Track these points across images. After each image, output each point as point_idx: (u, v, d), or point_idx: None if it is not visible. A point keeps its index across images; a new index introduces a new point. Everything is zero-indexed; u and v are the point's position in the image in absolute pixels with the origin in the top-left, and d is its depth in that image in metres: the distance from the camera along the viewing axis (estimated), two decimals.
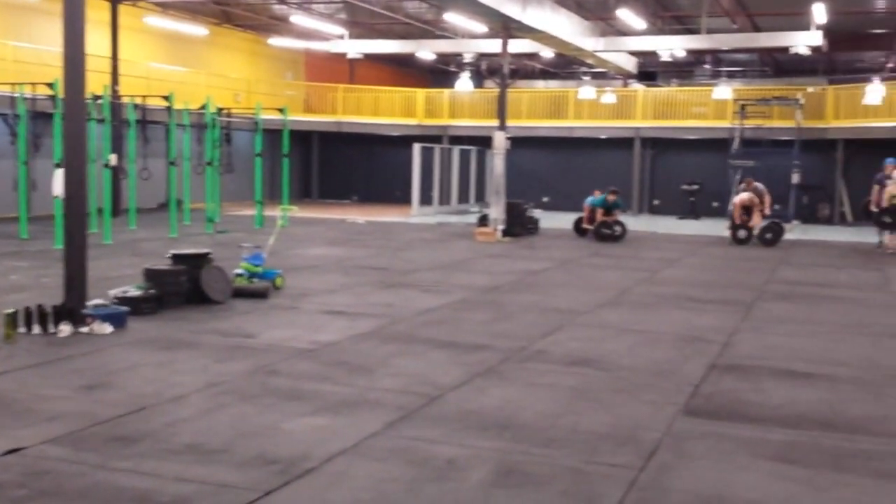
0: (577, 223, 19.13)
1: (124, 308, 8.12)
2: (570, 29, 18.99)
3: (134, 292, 8.62)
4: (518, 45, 22.48)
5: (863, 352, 7.75)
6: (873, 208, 17.04)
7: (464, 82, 28.29)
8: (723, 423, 5.48)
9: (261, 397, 5.81)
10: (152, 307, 8.55)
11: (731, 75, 33.08)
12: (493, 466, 4.62)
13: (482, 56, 27.75)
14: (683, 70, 33.66)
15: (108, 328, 7.68)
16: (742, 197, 17.86)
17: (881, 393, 6.33)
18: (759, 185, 18.00)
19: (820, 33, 19.57)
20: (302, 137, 29.77)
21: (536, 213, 24.84)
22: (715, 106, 26.22)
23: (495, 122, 28.29)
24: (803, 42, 19.54)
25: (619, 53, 23.80)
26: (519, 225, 18.74)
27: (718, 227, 20.75)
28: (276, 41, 27.06)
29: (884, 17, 24.06)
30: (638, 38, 21.29)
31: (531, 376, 6.58)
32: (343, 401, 5.76)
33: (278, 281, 10.29)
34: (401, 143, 28.05)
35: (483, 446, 4.94)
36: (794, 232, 21.84)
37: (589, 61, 24.32)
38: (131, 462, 4.57)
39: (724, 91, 25.74)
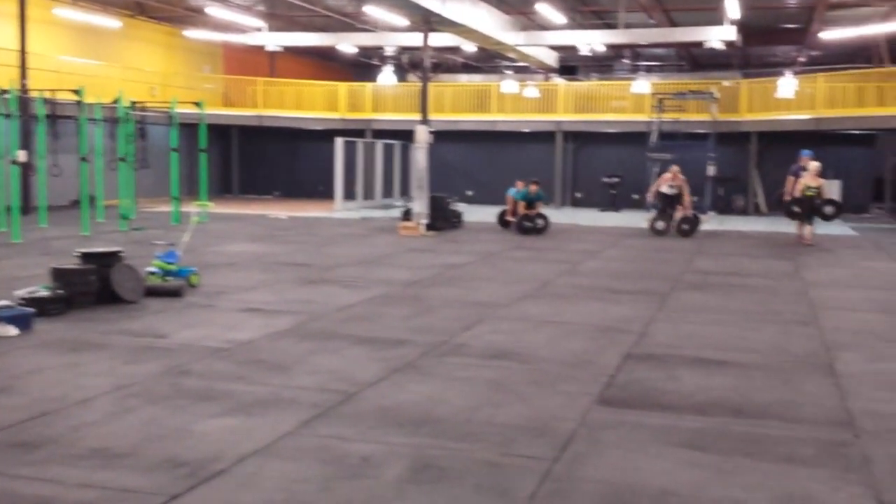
0: (501, 216, 19.24)
1: (30, 309, 7.83)
2: (490, 23, 19.07)
3: (41, 293, 8.32)
4: (440, 39, 22.52)
5: (772, 339, 7.96)
6: (787, 199, 17.06)
7: (387, 76, 28.17)
8: (636, 412, 5.56)
9: (171, 399, 5.66)
10: (60, 308, 8.27)
11: (649, 70, 33.68)
12: (408, 462, 4.58)
13: (404, 50, 27.66)
14: (603, 64, 34.16)
15: (12, 330, 7.40)
16: (672, 174, 18.20)
17: (789, 379, 6.50)
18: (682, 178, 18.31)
19: (733, 28, 20.07)
20: (221, 132, 29.26)
21: (460, 206, 24.93)
22: (634, 100, 26.68)
23: (418, 116, 28.42)
24: (717, 37, 20.02)
25: (539, 48, 24.02)
26: (442, 219, 18.75)
27: (638, 219, 21.14)
28: (193, 33, 26.48)
29: (795, 12, 24.79)
30: (558, 33, 21.52)
31: (450, 370, 6.56)
32: (257, 400, 5.65)
33: (193, 279, 10.06)
34: (324, 137, 27.79)
35: (399, 442, 4.90)
36: (711, 223, 22.37)
37: (511, 55, 24.48)
38: (33, 468, 4.40)
39: (642, 85, 26.21)
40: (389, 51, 25.45)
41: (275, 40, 25.05)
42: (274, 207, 24.49)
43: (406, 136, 27.93)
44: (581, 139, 28.67)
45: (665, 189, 18.28)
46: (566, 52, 28.45)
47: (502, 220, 19.10)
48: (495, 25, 19.40)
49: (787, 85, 24.23)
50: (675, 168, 18.58)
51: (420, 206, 17.92)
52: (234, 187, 30.51)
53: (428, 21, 17.54)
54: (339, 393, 5.85)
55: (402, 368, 6.57)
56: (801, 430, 5.25)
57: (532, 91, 27.50)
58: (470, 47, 25.60)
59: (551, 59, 26.09)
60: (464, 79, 34.46)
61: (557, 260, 13.66)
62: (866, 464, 4.69)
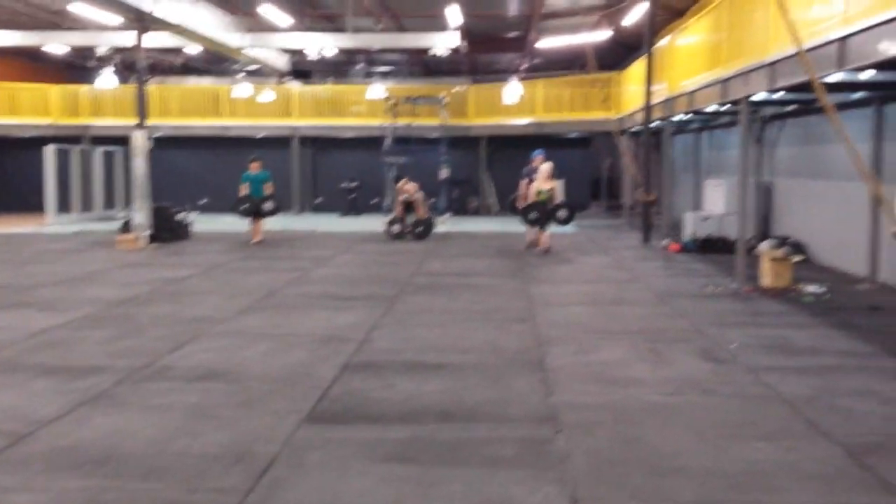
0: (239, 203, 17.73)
1: None
2: (212, 23, 18.23)
3: None
4: (159, 39, 21.26)
5: (489, 337, 8.05)
6: (521, 203, 16.47)
7: (106, 78, 26.27)
8: (345, 427, 5.30)
9: None
10: None
11: (384, 75, 34.05)
12: None
13: (121, 50, 25.93)
14: (340, 69, 34.06)
15: None
16: (403, 185, 18.25)
17: (500, 377, 6.55)
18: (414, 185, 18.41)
19: (457, 34, 20.61)
20: None
21: (192, 216, 23.71)
22: (371, 105, 26.78)
23: (154, 121, 26.77)
24: (442, 43, 20.46)
25: (269, 51, 23.39)
26: (167, 230, 17.67)
27: (377, 224, 21.16)
28: None
29: (515, 21, 25.98)
30: (285, 35, 21.01)
31: (148, 397, 5.96)
32: None
33: None
34: (35, 145, 25.38)
35: (70, 487, 4.30)
36: (446, 224, 22.92)
37: (238, 58, 23.64)
38: None
39: (377, 90, 26.35)
40: (102, 51, 23.67)
41: None
42: None
43: (124, 142, 26.26)
44: (319, 144, 28.39)
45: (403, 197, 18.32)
46: (299, 56, 28.00)
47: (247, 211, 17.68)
48: (217, 26, 18.58)
49: (511, 91, 25.40)
50: (402, 182, 18.61)
51: (141, 216, 16.75)
52: None
53: (141, 20, 16.42)
54: (7, 436, 5.09)
55: (92, 400, 5.88)
56: (506, 430, 5.23)
57: (266, 95, 26.80)
58: (196, 49, 24.41)
59: (282, 62, 25.53)
60: (193, 81, 32.98)
61: (287, 268, 13.23)
62: (564, 460, 4.73)
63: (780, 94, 12.54)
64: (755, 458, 4.78)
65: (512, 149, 27.09)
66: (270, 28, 21.68)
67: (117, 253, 15.51)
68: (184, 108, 27.51)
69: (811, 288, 11.05)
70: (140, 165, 16.93)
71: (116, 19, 18.87)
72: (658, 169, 20.25)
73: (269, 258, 14.73)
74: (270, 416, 5.50)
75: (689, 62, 14.85)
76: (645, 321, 8.93)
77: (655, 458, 4.78)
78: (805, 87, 10.67)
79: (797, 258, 12.48)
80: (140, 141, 16.84)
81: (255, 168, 17.67)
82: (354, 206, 26.53)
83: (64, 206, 23.39)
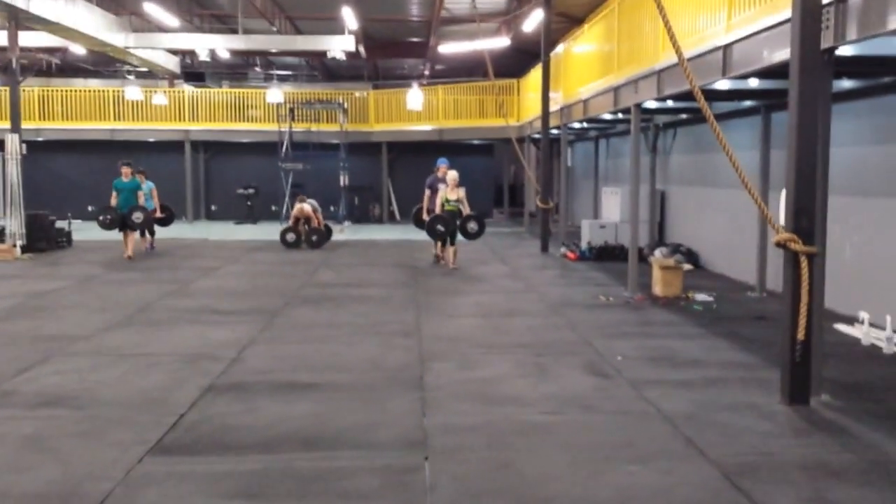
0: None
1: None
2: (93, 22, 17.33)
3: None
4: (39, 39, 20.22)
5: (371, 353, 7.68)
6: (426, 216, 14.58)
7: None
8: (192, 460, 4.84)
9: None
10: None
11: (283, 79, 33.31)
12: None
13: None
14: (237, 72, 33.17)
15: None
16: (299, 208, 17.59)
17: (375, 397, 6.18)
18: (313, 202, 17.82)
19: (352, 38, 20.18)
20: None
21: (76, 223, 22.61)
22: (269, 109, 26.08)
23: (29, 125, 25.46)
24: (338, 46, 19.98)
25: (157, 52, 22.46)
26: (45, 239, 16.70)
27: (275, 231, 20.51)
28: None
29: (416, 26, 25.72)
30: (172, 36, 20.18)
31: None
32: None
33: None
34: None
35: None
36: (345, 232, 22.44)
37: (125, 59, 22.65)
38: None
39: (276, 94, 25.66)
40: None
41: None
42: None
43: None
44: (214, 149, 27.52)
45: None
46: (192, 57, 27.11)
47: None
48: (99, 25, 17.68)
49: (414, 97, 25.09)
50: (300, 197, 17.83)
51: (15, 224, 15.75)
52: None
53: (15, 17, 15.46)
54: None
55: None
56: (371, 458, 4.87)
57: (157, 98, 25.81)
58: (81, 49, 23.30)
59: (172, 63, 24.60)
60: (81, 84, 31.61)
61: (169, 280, 12.56)
62: (429, 492, 4.39)
63: (669, 103, 12.59)
64: (629, 484, 4.54)
65: (414, 155, 26.82)
66: (161, 29, 20.87)
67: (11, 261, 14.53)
68: (70, 111, 26.29)
69: (701, 296, 11.07)
70: (13, 171, 15.92)
71: None
72: (555, 177, 20.26)
73: (150, 269, 14.00)
74: (112, 449, 4.99)
75: (583, 70, 14.81)
76: (534, 334, 8.70)
77: (524, 486, 4.48)
78: (690, 94, 10.71)
79: (687, 266, 12.53)
80: (13, 145, 15.84)
81: (126, 174, 15.67)
82: (251, 214, 25.78)
83: None
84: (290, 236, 17.68)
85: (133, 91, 25.58)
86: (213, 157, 27.63)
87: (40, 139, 26.22)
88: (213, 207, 27.67)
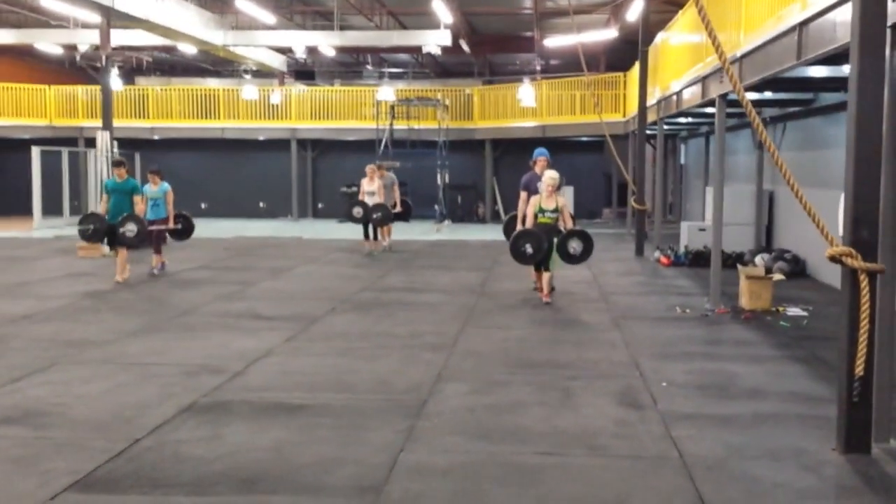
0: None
1: None
2: (186, 19, 17.45)
3: None
4: (143, 38, 20.63)
5: (388, 370, 7.01)
6: (521, 226, 10.58)
7: (112, 80, 25.73)
8: (111, 499, 4.30)
9: None
10: None
11: (395, 76, 33.14)
12: None
13: (125, 50, 25.34)
14: (350, 70, 33.25)
15: None
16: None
17: (360, 425, 5.50)
18: (391, 175, 16.61)
19: (448, 32, 19.60)
20: None
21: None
22: (377, 107, 25.84)
23: (145, 123, 26.22)
24: (434, 41, 19.46)
25: (261, 50, 22.60)
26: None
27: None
28: None
29: (527, 20, 24.85)
30: (269, 33, 20.17)
31: None
32: None
33: None
34: (31, 147, 24.96)
35: None
36: (442, 231, 21.92)
37: (232, 58, 22.90)
38: None
39: (386, 92, 25.33)
40: (84, 49, 23.06)
41: None
42: None
43: (129, 144, 25.70)
44: (321, 147, 27.58)
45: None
46: (301, 56, 27.22)
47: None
48: (195, 22, 17.81)
49: (525, 92, 24.20)
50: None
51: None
52: None
53: (107, 16, 15.71)
54: None
55: None
56: None
57: (259, 96, 25.97)
58: (189, 48, 23.71)
59: (278, 62, 24.74)
60: (196, 83, 32.45)
61: (233, 281, 12.31)
62: None
63: (768, 94, 11.37)
64: None
65: (521, 152, 25.98)
66: (257, 26, 20.90)
67: (73, 261, 14.76)
68: (185, 109, 26.88)
69: (793, 311, 9.85)
70: (103, 168, 16.18)
71: (96, 17, 18.21)
72: (660, 176, 18.99)
73: (222, 269, 13.85)
74: (34, 479, 4.52)
75: (677, 60, 13.66)
76: (579, 351, 7.82)
77: None
78: (782, 82, 9.51)
79: (778, 276, 11.25)
80: (103, 142, 16.10)
81: (119, 175, 12.11)
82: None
83: (56, 209, 22.88)
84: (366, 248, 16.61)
85: (249, 90, 25.82)
86: (321, 155, 27.70)
87: (156, 137, 26.96)
88: (319, 205, 27.75)
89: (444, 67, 32.99)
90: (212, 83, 31.37)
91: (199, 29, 18.16)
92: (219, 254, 16.22)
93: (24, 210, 25.58)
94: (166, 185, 12.98)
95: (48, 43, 22.93)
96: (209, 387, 6.41)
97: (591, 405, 6.03)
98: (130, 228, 11.63)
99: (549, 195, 10.35)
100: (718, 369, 7.12)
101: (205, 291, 11.31)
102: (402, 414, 5.77)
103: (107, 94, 16.69)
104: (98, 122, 26.14)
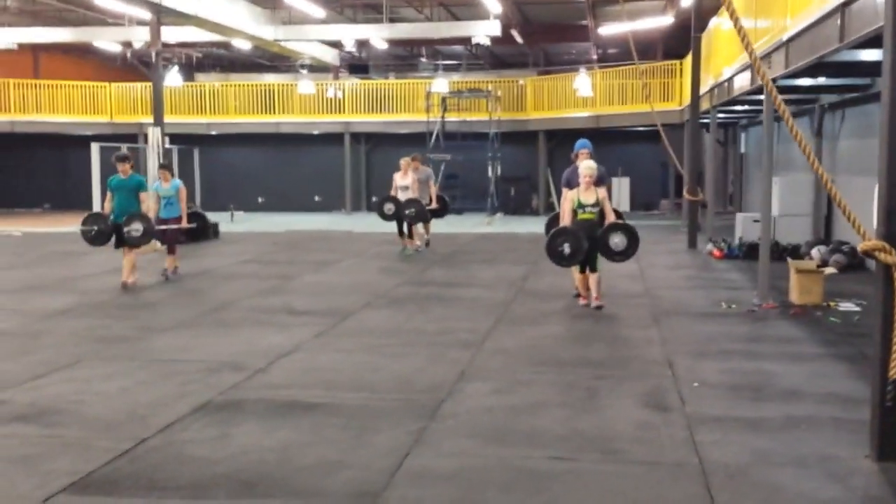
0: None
1: None
2: (235, 15, 17.54)
3: None
4: (201, 35, 20.83)
5: (412, 368, 6.87)
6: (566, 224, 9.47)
7: (172, 76, 26.15)
8: (106, 500, 4.24)
9: None
10: None
11: (449, 68, 32.95)
12: None
13: (183, 47, 25.65)
14: (405, 63, 33.18)
15: None
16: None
17: (371, 426, 5.35)
18: (427, 170, 15.68)
19: (497, 23, 19.33)
20: None
21: (239, 214, 23.33)
22: (428, 100, 25.71)
23: (203, 119, 26.56)
24: (483, 32, 19.22)
25: (313, 45, 22.65)
26: (186, 231, 17.02)
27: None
28: None
29: (582, 8, 24.40)
30: (319, 27, 20.19)
31: None
32: None
33: None
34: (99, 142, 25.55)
35: None
36: (494, 224, 21.72)
37: (286, 53, 23.01)
38: None
39: (441, 84, 25.15)
40: (138, 46, 23.40)
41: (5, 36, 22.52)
42: (23, 222, 22.11)
43: (189, 139, 26.10)
44: (374, 141, 27.58)
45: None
46: (355, 50, 27.26)
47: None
48: (245, 18, 17.90)
49: (582, 82, 23.75)
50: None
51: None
52: None
53: (157, 12, 15.87)
54: None
55: None
56: None
57: (313, 90, 26.06)
58: (244, 44, 23.91)
59: (331, 56, 24.77)
60: (255, 78, 32.76)
61: (275, 275, 12.33)
62: None
63: (822, 79, 10.89)
64: None
65: (573, 143, 25.63)
66: (307, 20, 20.93)
67: (122, 256, 14.93)
68: (242, 105, 27.15)
69: (845, 306, 9.42)
70: (155, 164, 16.39)
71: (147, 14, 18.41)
72: (715, 165, 18.47)
73: (265, 263, 13.90)
74: (34, 479, 4.49)
75: (728, 45, 13.19)
76: (612, 348, 7.58)
77: None
78: (833, 67, 9.08)
79: (830, 270, 10.77)
80: (154, 137, 16.31)
81: (124, 171, 11.14)
82: None
83: None
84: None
85: (305, 85, 25.92)
86: (374, 148, 27.70)
87: (213, 132, 27.30)
88: (373, 199, 27.72)
89: (499, 59, 32.71)
90: (269, 78, 31.64)
91: (250, 24, 18.25)
92: (267, 248, 16.30)
93: (87, 205, 26.23)
94: (178, 182, 12.09)
95: (106, 41, 23.35)
96: (228, 384, 6.35)
97: (615, 406, 5.80)
98: (136, 228, 10.83)
99: (587, 187, 9.29)
100: (756, 369, 6.80)
101: (245, 286, 11.33)
102: (417, 415, 5.62)
103: (157, 90, 16.88)
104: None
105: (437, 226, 16.71)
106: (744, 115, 19.37)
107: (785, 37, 8.59)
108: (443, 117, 23.74)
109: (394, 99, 26.60)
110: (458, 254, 15.10)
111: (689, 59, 20.91)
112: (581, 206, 9.33)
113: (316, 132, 27.09)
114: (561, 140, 26.00)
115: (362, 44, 23.63)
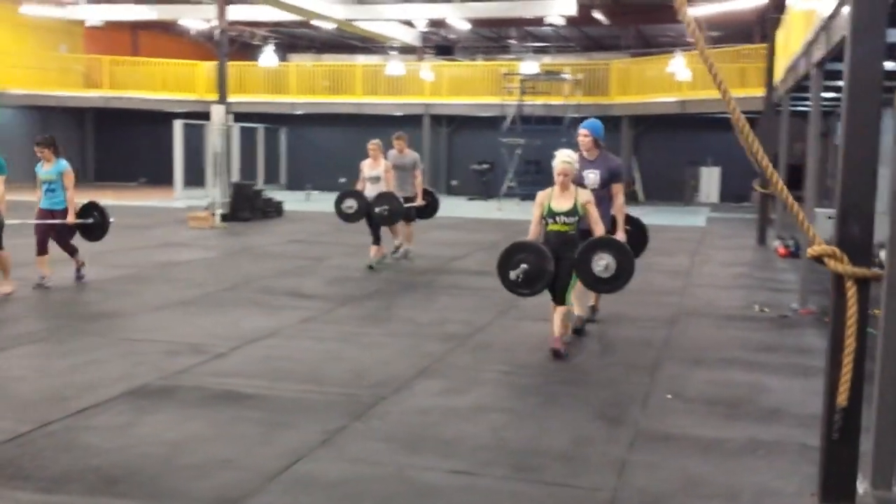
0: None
1: None
2: None
3: None
4: (285, 15, 20.90)
5: (376, 360, 6.51)
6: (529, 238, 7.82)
7: (268, 56, 26.47)
8: None
9: None
10: None
11: (539, 50, 32.18)
12: None
13: (247, 25, 25.91)
14: (492, 45, 32.61)
15: None
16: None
17: (287, 423, 5.03)
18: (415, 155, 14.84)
19: (573, 2, 18.59)
20: (77, 115, 27.58)
21: (315, 194, 23.43)
22: (505, 82, 25.15)
23: (287, 98, 26.81)
24: (557, 12, 18.54)
25: (398, 26, 22.44)
26: (249, 209, 17.20)
27: (504, 209, 19.76)
28: (30, 9, 24.59)
29: None
30: (393, 7, 19.93)
31: None
32: None
33: None
34: (190, 119, 26.14)
35: None
36: None
37: (361, 33, 22.88)
38: None
39: (530, 66, 24.49)
40: (223, 25, 23.62)
41: (94, 14, 23.18)
42: (122, 195, 22.80)
43: (278, 119, 26.40)
44: (456, 123, 27.21)
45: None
46: (434, 30, 26.89)
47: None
48: None
49: (678, 65, 22.62)
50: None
51: (216, 193, 16.35)
52: (90, 173, 28.70)
53: None
54: None
55: None
56: None
57: (396, 70, 25.84)
58: (329, 25, 23.92)
59: (411, 37, 24.48)
60: (345, 59, 32.88)
61: (310, 256, 12.18)
62: None
63: None
64: None
65: (665, 129, 24.64)
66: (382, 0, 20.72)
67: (179, 231, 15.16)
68: (320, 85, 27.27)
69: None
70: (217, 141, 16.54)
71: None
72: (784, 155, 17.28)
73: (308, 243, 13.79)
74: None
75: (797, 29, 12.17)
76: (603, 349, 7.04)
77: None
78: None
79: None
80: (219, 116, 16.43)
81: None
82: (484, 190, 25.10)
83: (198, 180, 23.81)
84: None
85: (393, 66, 25.74)
86: (455, 131, 27.33)
87: (298, 112, 27.52)
88: (453, 182, 27.42)
89: (592, 40, 31.73)
90: (360, 59, 31.70)
91: (321, 4, 18.16)
92: (324, 228, 16.19)
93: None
94: (64, 164, 9.08)
95: (188, 19, 23.77)
96: (176, 369, 6.15)
97: (563, 416, 5.29)
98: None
99: (562, 189, 6.61)
100: (749, 381, 6.14)
101: (272, 265, 11.22)
102: (346, 412, 5.26)
103: (222, 68, 17.03)
104: (244, 97, 27.16)
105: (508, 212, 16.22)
106: (833, 103, 18.02)
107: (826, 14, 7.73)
108: (520, 101, 23.12)
109: (475, 81, 26.13)
110: (500, 243, 14.56)
111: (781, 41, 19.69)
112: (552, 213, 6.62)
113: (398, 113, 26.92)
114: (650, 126, 25.05)
115: (439, 24, 23.16)
